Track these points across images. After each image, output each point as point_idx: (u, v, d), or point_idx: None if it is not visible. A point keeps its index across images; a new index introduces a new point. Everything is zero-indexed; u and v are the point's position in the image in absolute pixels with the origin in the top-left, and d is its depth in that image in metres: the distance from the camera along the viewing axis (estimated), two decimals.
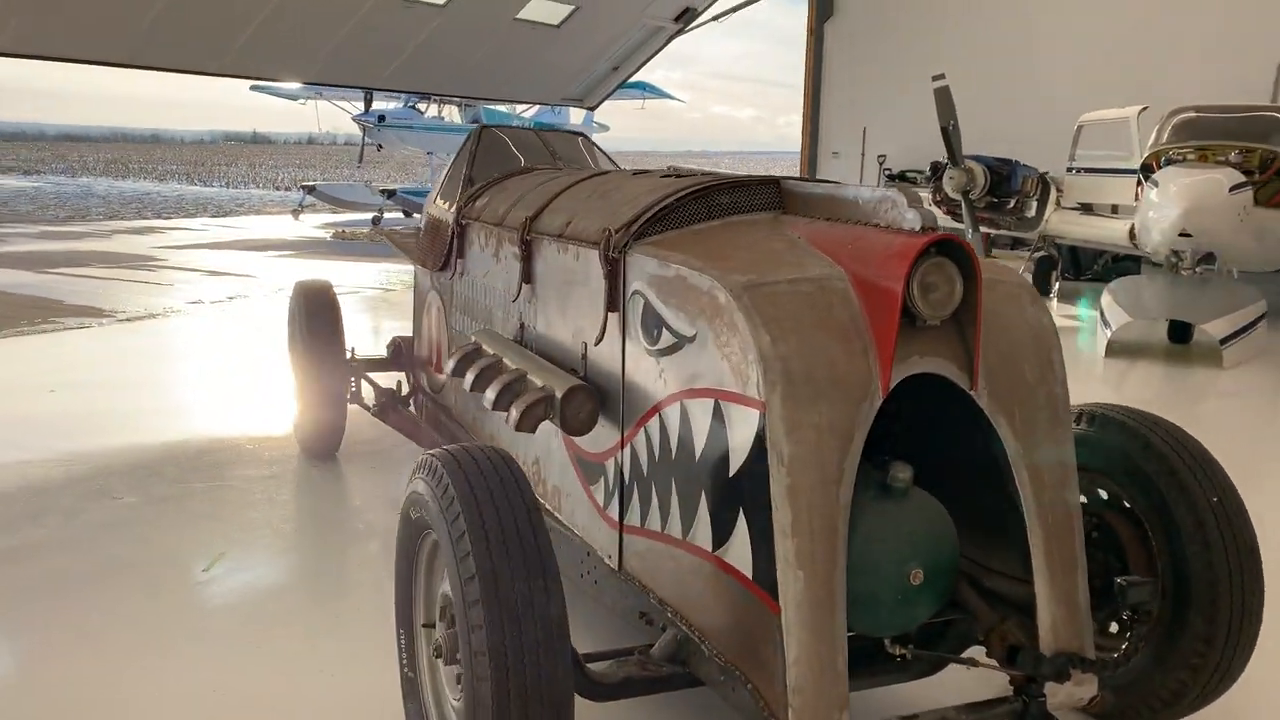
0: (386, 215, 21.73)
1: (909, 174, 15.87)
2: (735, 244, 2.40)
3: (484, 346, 3.28)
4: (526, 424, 2.67)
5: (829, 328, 2.10)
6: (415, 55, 15.73)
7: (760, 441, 2.01)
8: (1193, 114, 10.38)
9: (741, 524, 2.08)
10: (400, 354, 5.00)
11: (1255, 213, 8.73)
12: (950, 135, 9.88)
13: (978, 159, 10.20)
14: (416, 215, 23.19)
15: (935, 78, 9.94)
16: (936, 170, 10.48)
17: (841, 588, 1.99)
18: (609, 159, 4.63)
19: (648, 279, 2.41)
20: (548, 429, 3.09)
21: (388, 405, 4.40)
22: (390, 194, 22.33)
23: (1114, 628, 2.64)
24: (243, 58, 13.78)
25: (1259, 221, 8.79)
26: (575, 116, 28.92)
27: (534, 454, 3.21)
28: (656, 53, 20.63)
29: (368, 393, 4.77)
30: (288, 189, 35.94)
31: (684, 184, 2.65)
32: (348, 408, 4.71)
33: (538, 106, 26.91)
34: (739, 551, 2.09)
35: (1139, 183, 9.82)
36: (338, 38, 14.05)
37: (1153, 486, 2.53)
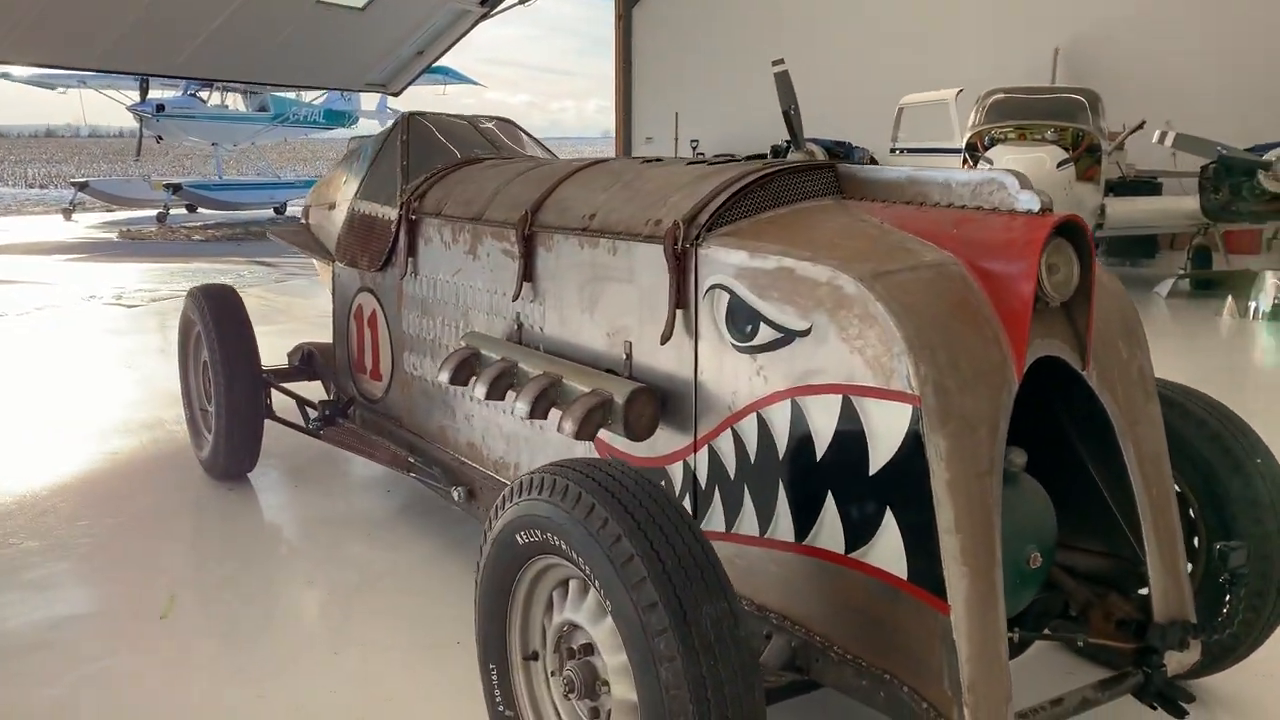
0: (172, 211, 20.29)
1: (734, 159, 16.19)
2: (823, 231, 2.31)
3: (482, 351, 3.05)
4: (587, 432, 2.49)
5: (961, 315, 2.05)
6: (210, 40, 14.71)
7: (914, 437, 1.93)
8: (1004, 95, 11.06)
9: (889, 524, 2.00)
10: (311, 362, 4.62)
11: (1075, 186, 9.41)
12: (792, 118, 10.11)
13: (816, 142, 10.50)
14: (203, 210, 21.80)
15: (775, 63, 10.15)
16: (777, 153, 10.72)
17: (1000, 581, 1.95)
18: (541, 145, 4.42)
19: (734, 271, 2.28)
20: (563, 435, 2.92)
21: (328, 419, 4.04)
22: (175, 188, 20.88)
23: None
24: (18, 44, 12.48)
25: (1078, 195, 9.49)
26: (368, 103, 27.83)
27: (549, 459, 3.00)
28: (462, 36, 20.20)
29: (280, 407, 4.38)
30: (43, 186, 32.85)
31: (744, 171, 2.53)
32: (264, 424, 4.30)
33: (326, 93, 25.79)
34: (886, 552, 2.01)
35: (965, 161, 10.38)
36: (124, 22, 12.94)
37: (1197, 453, 2.62)
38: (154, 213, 20.45)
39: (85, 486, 4.45)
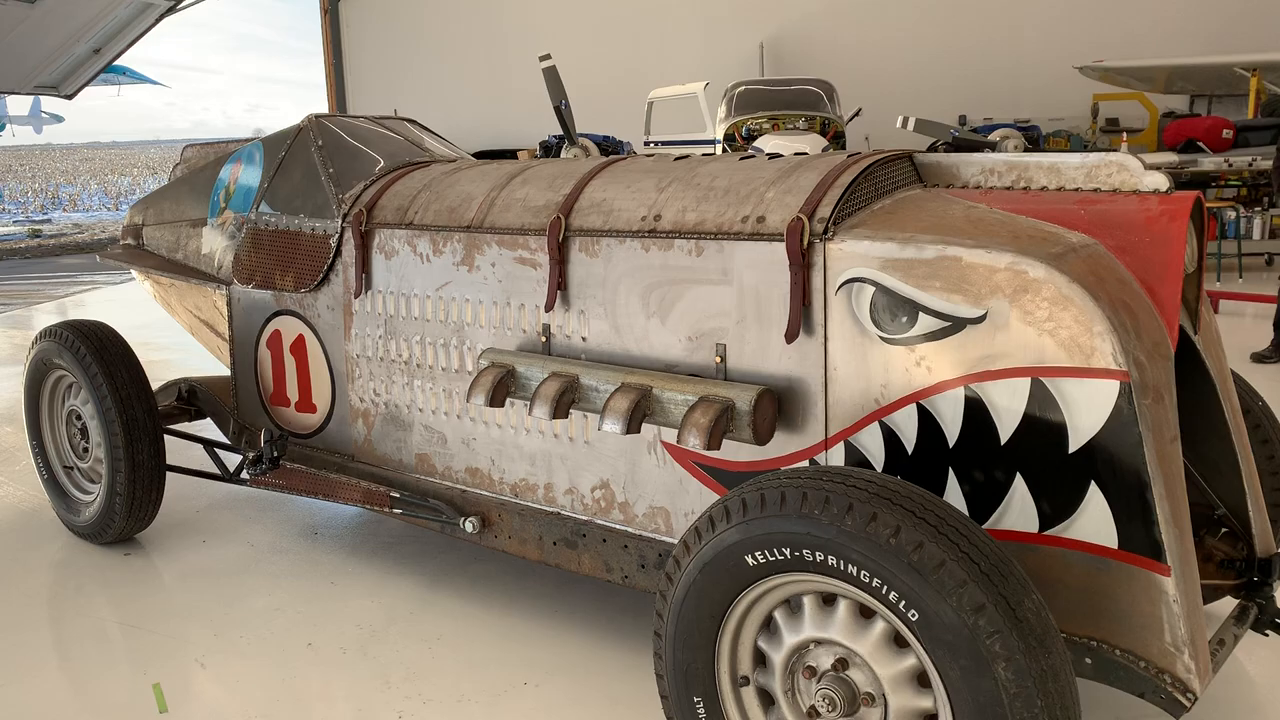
0: None
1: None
2: (951, 219, 2.34)
3: (518, 368, 2.84)
4: (716, 442, 2.38)
5: (1127, 292, 2.16)
6: None
7: (1122, 411, 2.02)
8: (748, 88, 11.64)
9: (1094, 497, 2.08)
10: (196, 400, 4.08)
11: None
12: (563, 114, 10.09)
13: (588, 137, 10.56)
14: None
15: (542, 58, 10.07)
16: (548, 149, 10.67)
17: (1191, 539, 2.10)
18: (448, 143, 4.15)
19: (879, 263, 2.27)
20: (619, 446, 2.80)
21: (275, 461, 3.55)
22: None
23: None
24: None
25: None
26: (15, 106, 24.80)
27: (598, 475, 2.86)
28: (146, 32, 18.61)
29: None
30: None
31: (841, 163, 2.51)
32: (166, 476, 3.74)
33: None
34: (1092, 525, 2.08)
35: (724, 151, 10.83)
36: None
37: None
38: None
39: None
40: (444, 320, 3.19)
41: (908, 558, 1.77)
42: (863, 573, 1.83)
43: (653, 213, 2.69)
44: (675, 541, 2.73)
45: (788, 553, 1.92)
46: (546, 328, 2.92)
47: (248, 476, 3.65)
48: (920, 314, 2.22)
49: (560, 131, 10.39)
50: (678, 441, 2.43)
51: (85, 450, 3.89)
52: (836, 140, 10.66)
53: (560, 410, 2.70)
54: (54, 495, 4.00)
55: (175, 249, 4.36)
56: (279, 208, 3.72)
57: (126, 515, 3.68)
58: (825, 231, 2.34)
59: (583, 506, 2.93)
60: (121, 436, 3.56)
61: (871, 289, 2.28)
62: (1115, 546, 2.07)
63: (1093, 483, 2.07)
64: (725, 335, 2.55)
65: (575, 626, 3.14)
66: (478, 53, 18.41)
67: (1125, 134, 14.20)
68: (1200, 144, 11.92)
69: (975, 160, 2.63)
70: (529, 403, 2.76)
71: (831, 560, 1.86)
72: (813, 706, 1.99)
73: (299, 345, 3.66)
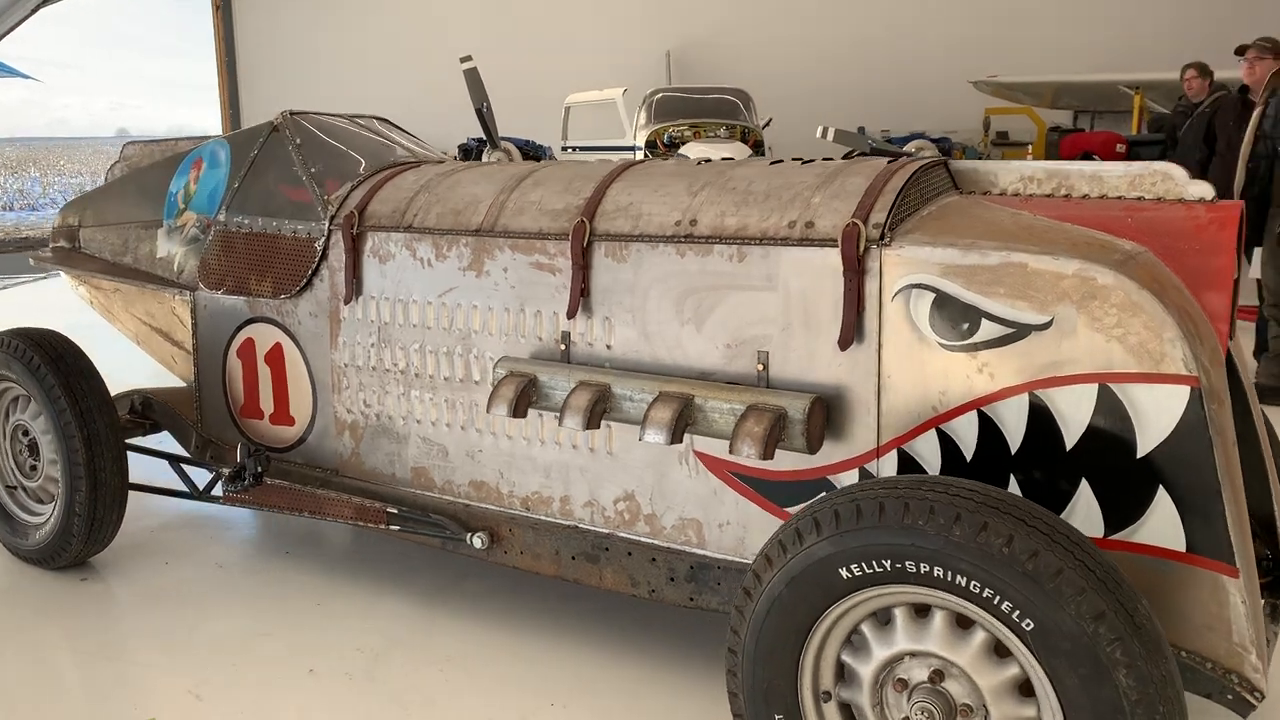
0: None
1: None
2: (1003, 224, 2.35)
3: (541, 378, 2.74)
4: (770, 451, 2.33)
5: (1184, 299, 2.20)
6: None
7: (1194, 416, 2.05)
8: (666, 95, 11.67)
9: (1162, 501, 2.10)
10: (152, 413, 3.83)
11: None
12: (485, 117, 9.93)
13: (510, 140, 10.42)
14: None
15: (463, 60, 9.90)
16: (467, 152, 10.49)
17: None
18: (422, 143, 3.99)
19: (940, 269, 2.26)
20: (646, 456, 2.73)
21: (258, 478, 3.33)
22: None
23: None
24: None
25: None
26: None
27: (622, 487, 2.78)
28: (20, 23, 17.75)
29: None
30: None
31: (887, 168, 2.49)
32: (128, 495, 3.49)
33: None
34: (1160, 528, 2.11)
35: (646, 158, 10.82)
36: None
37: None
38: None
39: None
40: (447, 328, 3.07)
41: (1022, 566, 1.75)
42: (972, 583, 1.80)
43: (687, 217, 2.62)
44: (708, 554, 2.67)
45: (888, 565, 1.88)
46: (566, 335, 2.83)
47: (222, 494, 3.44)
48: (983, 320, 2.21)
49: (481, 134, 10.23)
50: (730, 452, 2.37)
51: (34, 469, 3.60)
52: (757, 148, 10.76)
53: (593, 421, 2.61)
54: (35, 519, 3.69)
55: (122, 252, 4.09)
56: (253, 209, 3.52)
57: (85, 537, 3.42)
58: (882, 237, 2.32)
59: (604, 519, 2.85)
60: (83, 453, 3.31)
61: (931, 295, 2.27)
62: (1183, 549, 2.10)
63: (1161, 487, 2.10)
64: (768, 342, 2.50)
65: (588, 643, 3.04)
66: (382, 51, 18.04)
67: (1030, 146, 14.70)
68: (1096, 157, 12.45)
69: (1014, 168, 2.65)
70: (558, 414, 2.66)
71: (938, 572, 1.83)
72: (907, 718, 1.96)
73: (275, 354, 3.47)
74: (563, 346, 2.84)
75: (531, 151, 10.69)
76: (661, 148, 10.65)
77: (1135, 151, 12.60)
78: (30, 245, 17.07)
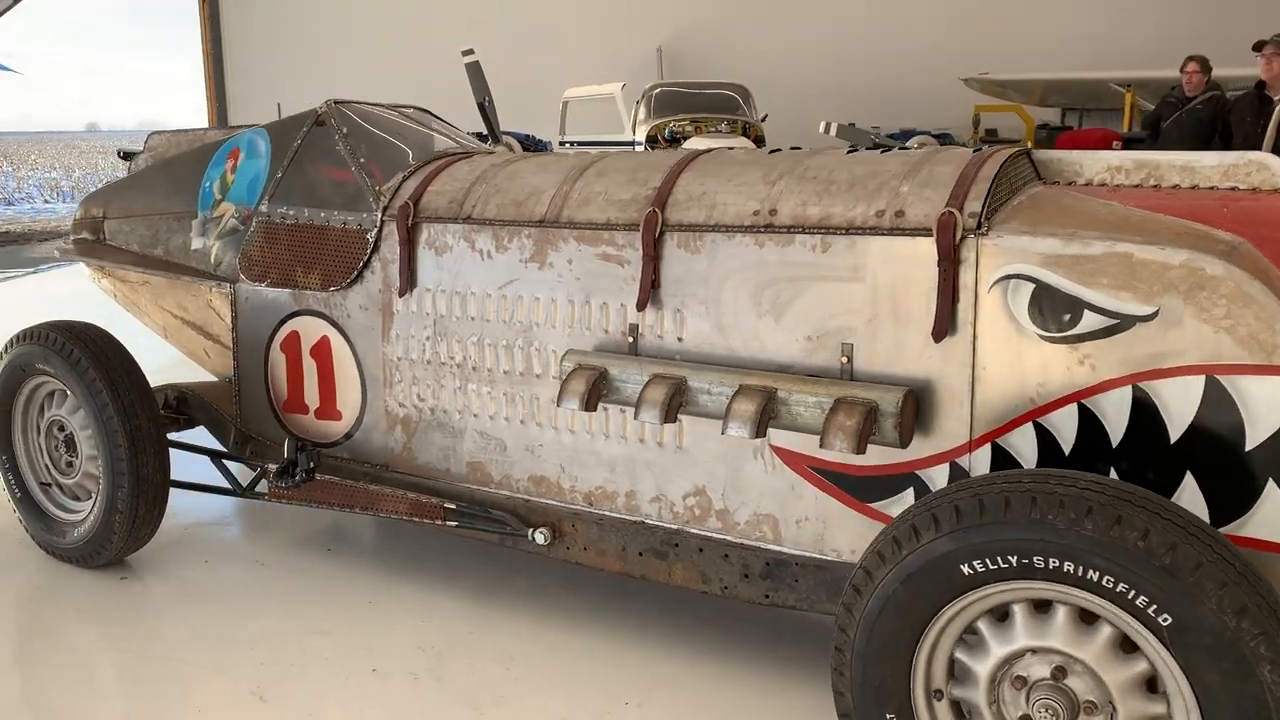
0: None
1: None
2: (1098, 214, 2.31)
3: (611, 371, 2.69)
4: (864, 446, 2.29)
5: None
6: None
7: None
8: (666, 90, 11.62)
9: (1272, 494, 2.07)
10: (187, 408, 3.75)
11: None
12: (487, 110, 9.82)
13: (511, 135, 10.33)
14: None
15: (464, 53, 9.79)
16: None
17: None
18: (462, 134, 3.93)
19: (1041, 259, 2.22)
20: (718, 450, 2.69)
21: (301, 475, 3.25)
22: None
23: None
24: None
25: None
26: None
27: (692, 482, 2.73)
28: (6, 10, 17.56)
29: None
30: None
31: (977, 156, 2.45)
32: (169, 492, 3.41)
33: None
34: (1268, 521, 2.08)
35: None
36: None
37: None
38: None
39: None
40: (507, 320, 3.01)
41: (1160, 560, 1.72)
42: (1105, 578, 1.77)
43: (766, 207, 2.58)
44: (784, 550, 2.63)
45: (1013, 561, 1.84)
46: (634, 327, 2.78)
47: (268, 490, 3.37)
48: (1085, 311, 2.18)
49: (481, 128, 10.12)
50: (821, 446, 2.33)
51: (70, 465, 3.52)
52: (757, 143, 10.72)
53: (670, 415, 2.56)
54: (29, 516, 3.60)
55: (152, 244, 4.01)
56: (298, 200, 3.44)
57: (127, 535, 3.34)
58: (979, 226, 2.28)
59: (672, 515, 2.80)
60: (126, 449, 3.23)
61: (1031, 286, 2.23)
62: None
63: (1271, 480, 2.07)
64: (853, 334, 2.46)
65: (654, 640, 3.00)
66: (373, 43, 17.88)
67: (1030, 143, 14.74)
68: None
69: (1101, 158, 2.62)
70: (632, 408, 2.61)
71: (1068, 567, 1.80)
72: (1026, 716, 1.92)
73: (322, 348, 3.40)
74: (630, 339, 2.79)
75: (532, 146, 10.61)
76: (662, 143, 10.60)
77: (1130, 148, 12.68)
78: (12, 240, 16.81)
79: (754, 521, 2.68)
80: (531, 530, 2.97)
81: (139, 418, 3.28)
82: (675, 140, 10.53)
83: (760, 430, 2.42)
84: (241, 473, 3.53)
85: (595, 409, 2.71)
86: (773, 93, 14.68)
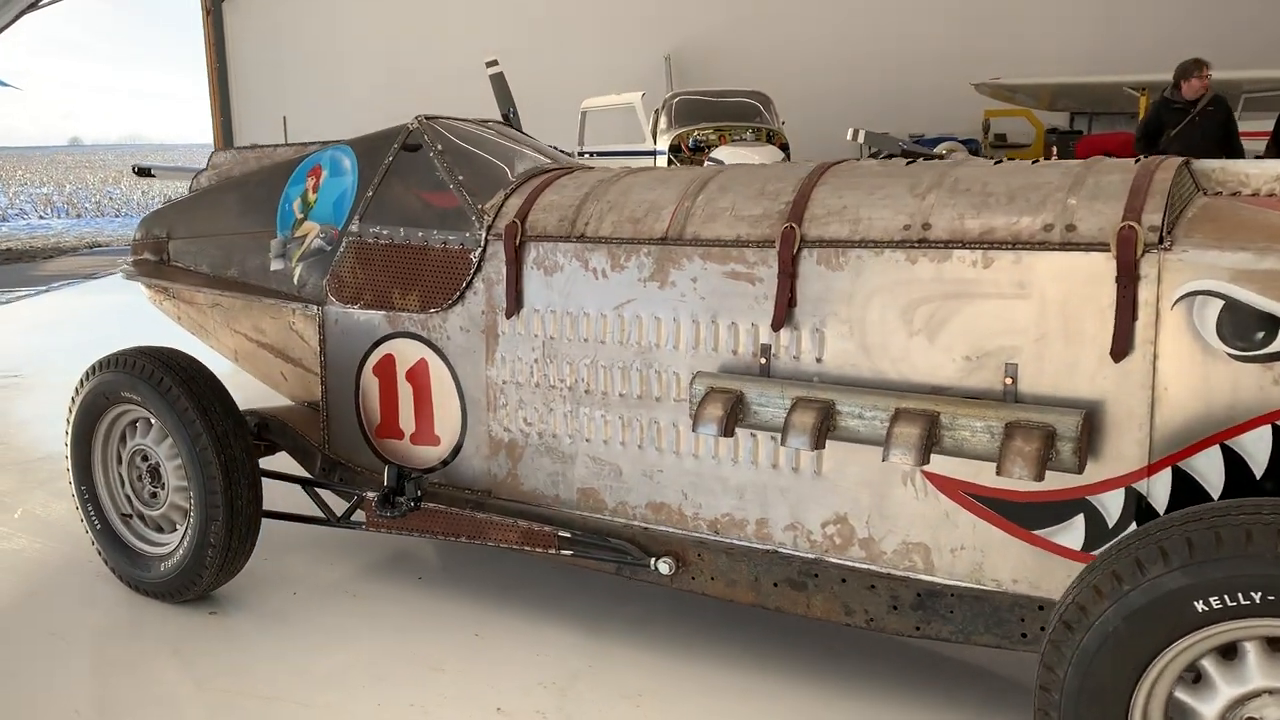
0: None
1: None
2: (1266, 223, 2.21)
3: (748, 393, 2.58)
4: (1043, 472, 2.18)
5: None
6: None
7: None
8: (686, 98, 11.52)
9: None
10: (269, 434, 3.62)
11: None
12: (512, 122, 9.74)
13: None
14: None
15: (489, 64, 9.73)
16: None
17: None
18: (547, 147, 3.82)
19: (1230, 274, 2.11)
20: (861, 476, 2.57)
21: (409, 504, 3.12)
22: None
23: None
24: None
25: None
26: None
27: (831, 509, 2.62)
28: (6, 27, 17.46)
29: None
30: None
31: (1141, 167, 2.35)
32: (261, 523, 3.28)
33: None
34: None
35: (670, 162, 10.67)
36: None
37: None
38: None
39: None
40: (623, 342, 2.89)
41: None
42: None
43: (918, 221, 2.47)
44: (937, 580, 2.51)
45: (1256, 597, 1.73)
46: (766, 348, 2.66)
47: (366, 519, 3.25)
48: None
49: None
50: (999, 473, 2.22)
51: (154, 496, 3.39)
52: (784, 150, 10.64)
53: (820, 441, 2.45)
54: (111, 549, 3.47)
55: (224, 265, 3.88)
56: (392, 219, 3.32)
57: (218, 569, 3.21)
58: (1160, 240, 2.18)
59: (809, 544, 2.68)
60: (220, 480, 3.11)
61: (1220, 302, 2.13)
62: None
63: None
64: (1017, 354, 2.35)
65: (782, 674, 2.88)
66: (378, 56, 17.76)
67: (1055, 149, 14.72)
68: (1113, 156, 12.44)
69: (1268, 167, 2.52)
70: (779, 433, 2.50)
71: None
72: None
73: (419, 371, 3.28)
74: (762, 360, 2.67)
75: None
76: (686, 152, 10.51)
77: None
78: (15, 258, 16.64)
79: (902, 550, 2.56)
80: (654, 559, 2.86)
81: (233, 448, 3.16)
82: (700, 149, 10.43)
83: (925, 457, 2.31)
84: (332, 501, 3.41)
85: (733, 434, 2.60)
86: (782, 100, 14.62)
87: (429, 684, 2.85)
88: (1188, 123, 8.07)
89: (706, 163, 9.82)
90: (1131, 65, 15.64)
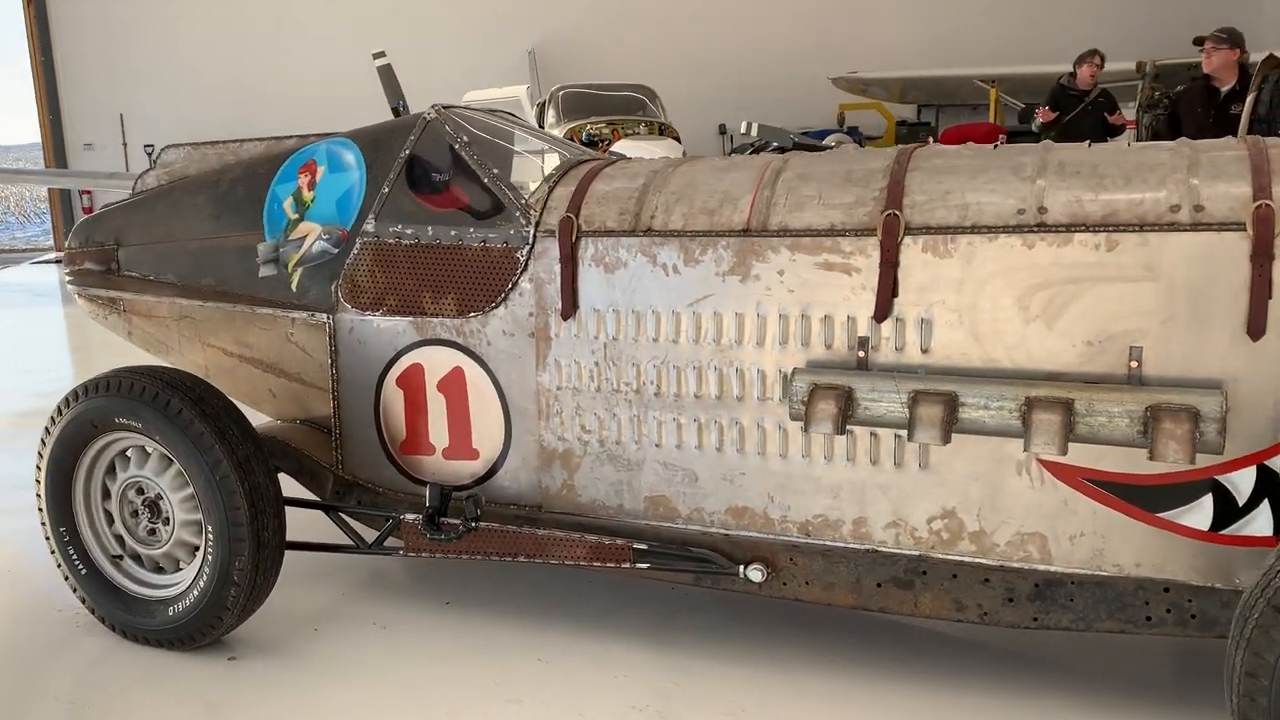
0: None
1: None
2: None
3: (859, 389, 2.48)
4: (1194, 454, 2.17)
5: None
6: None
7: None
8: (571, 92, 11.36)
9: None
10: (273, 457, 3.29)
11: None
12: (401, 114, 9.33)
13: None
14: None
15: (375, 55, 9.29)
16: None
17: None
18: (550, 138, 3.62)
19: None
20: (970, 469, 2.52)
21: (464, 525, 2.85)
22: None
23: None
24: None
25: None
26: None
27: (938, 504, 2.55)
28: None
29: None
30: None
31: (1251, 141, 2.37)
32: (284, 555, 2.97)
33: None
34: None
35: None
36: None
37: None
38: None
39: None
40: (698, 340, 2.75)
41: None
42: None
43: (1032, 205, 2.42)
44: (1055, 569, 2.48)
45: None
46: (865, 340, 2.57)
47: (414, 543, 2.98)
48: None
49: None
50: (1152, 458, 2.19)
51: (153, 533, 3.03)
52: (678, 143, 10.60)
53: (948, 435, 2.37)
54: (99, 595, 3.07)
55: (195, 274, 3.52)
56: (418, 217, 3.06)
57: (241, 609, 2.90)
58: None
59: (913, 540, 2.61)
60: (245, 511, 2.79)
61: None
62: None
63: None
64: (1143, 337, 2.33)
65: (868, 675, 2.80)
66: (221, 48, 16.81)
67: (931, 138, 15.19)
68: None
69: None
70: (907, 429, 2.41)
71: None
72: None
73: (453, 380, 3.04)
74: (860, 354, 2.58)
75: None
76: (580, 145, 10.33)
77: (1013, 141, 13.22)
78: None
79: (1017, 542, 2.52)
80: (744, 567, 2.73)
81: (255, 474, 2.85)
82: (594, 143, 10.28)
83: (1065, 446, 2.26)
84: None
85: (845, 432, 2.49)
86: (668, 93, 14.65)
87: (513, 718, 2.63)
88: (1080, 110, 8.47)
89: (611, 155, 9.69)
90: (971, 58, 16.37)
